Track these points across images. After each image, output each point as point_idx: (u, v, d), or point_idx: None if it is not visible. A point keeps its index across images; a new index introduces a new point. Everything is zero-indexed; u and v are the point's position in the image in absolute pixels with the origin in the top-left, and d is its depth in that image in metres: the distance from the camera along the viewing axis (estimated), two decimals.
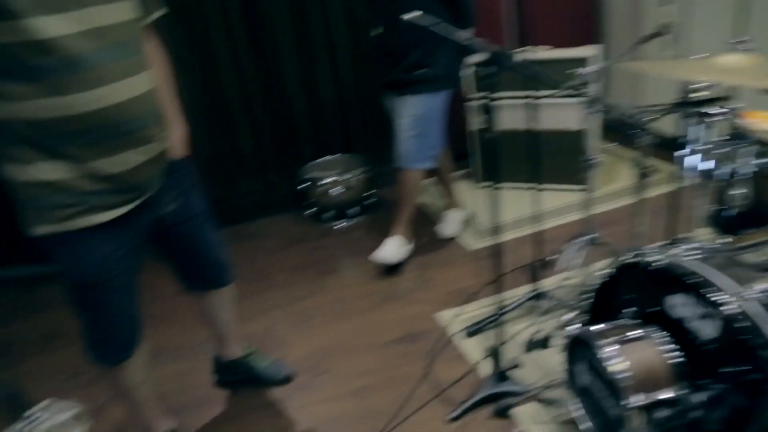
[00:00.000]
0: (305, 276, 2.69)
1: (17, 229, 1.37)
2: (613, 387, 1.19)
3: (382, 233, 2.71)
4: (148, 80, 1.35)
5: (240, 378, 2.02)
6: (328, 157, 3.37)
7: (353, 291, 2.53)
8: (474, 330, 2.11)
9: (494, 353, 1.77)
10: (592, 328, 1.28)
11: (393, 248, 2.61)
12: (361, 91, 3.41)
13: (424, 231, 2.91)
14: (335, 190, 3.10)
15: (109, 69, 1.23)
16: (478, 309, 2.24)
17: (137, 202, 1.38)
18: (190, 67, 2.96)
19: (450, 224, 2.86)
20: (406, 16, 1.56)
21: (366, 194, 3.25)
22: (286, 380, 2.03)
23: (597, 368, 1.22)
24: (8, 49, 1.12)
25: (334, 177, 3.09)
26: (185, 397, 2.00)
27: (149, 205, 1.43)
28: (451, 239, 2.83)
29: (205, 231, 1.65)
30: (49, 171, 1.25)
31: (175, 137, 1.52)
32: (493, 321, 2.07)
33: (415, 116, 2.47)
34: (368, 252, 2.67)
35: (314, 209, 3.24)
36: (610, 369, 1.17)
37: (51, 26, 1.13)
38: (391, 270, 2.62)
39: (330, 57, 3.29)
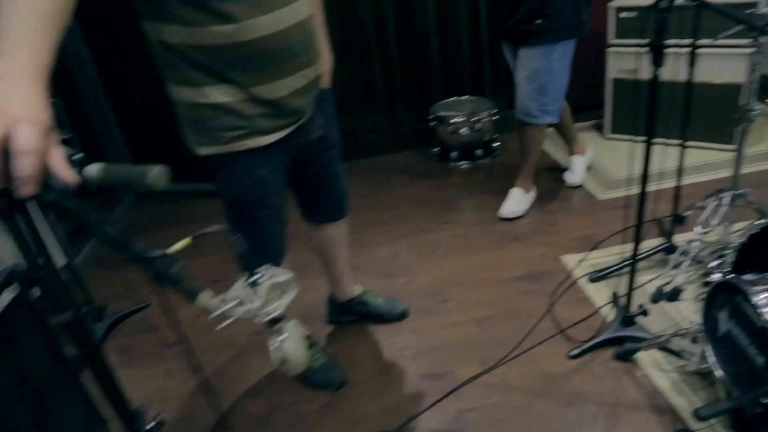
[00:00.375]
0: (430, 211, 2.80)
1: (181, 148, 1.49)
2: (764, 335, 1.19)
3: (505, 177, 2.76)
4: (306, 6, 1.38)
5: (355, 318, 2.11)
6: (457, 98, 3.39)
7: (476, 229, 2.59)
8: (599, 276, 2.12)
9: (620, 299, 1.79)
10: (743, 276, 1.27)
11: (516, 202, 2.64)
12: (495, 34, 3.37)
13: (550, 177, 2.90)
14: (462, 131, 3.14)
15: None
16: (604, 257, 2.24)
17: (293, 127, 1.45)
18: None
19: (576, 172, 2.82)
20: None
21: (492, 137, 3.26)
22: (402, 316, 2.11)
23: (746, 315, 1.22)
24: None
25: (462, 117, 3.12)
26: (314, 312, 2.19)
27: (302, 129, 1.49)
28: (578, 187, 2.80)
29: (336, 163, 1.70)
30: (217, 94, 1.32)
31: (324, 67, 1.57)
32: (621, 268, 2.08)
33: (534, 70, 2.34)
34: (491, 193, 2.74)
35: (439, 148, 3.31)
36: (766, 316, 1.17)
37: None
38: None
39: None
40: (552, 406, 1.66)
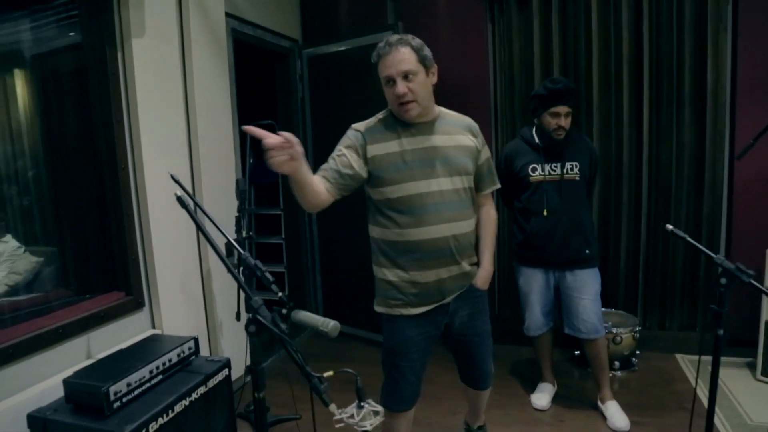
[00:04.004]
0: (553, 406, 3.06)
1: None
2: None
3: (636, 393, 2.92)
4: (466, 226, 2.04)
5: None
6: (605, 309, 3.69)
7: None
8: None
9: None
10: None
11: (623, 414, 2.84)
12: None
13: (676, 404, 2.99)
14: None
15: (437, 216, 1.94)
16: None
17: (435, 305, 2.03)
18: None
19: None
20: None
21: (632, 352, 3.45)
22: None
23: None
24: (388, 204, 1.97)
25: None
26: None
27: (444, 310, 2.07)
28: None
29: (482, 347, 2.19)
30: (390, 275, 2.03)
31: (480, 273, 2.15)
32: None
33: (597, 290, 2.87)
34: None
35: (579, 352, 3.58)
36: None
37: (411, 189, 1.94)
38: None
39: None
40: None
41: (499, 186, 2.28)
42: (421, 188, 1.94)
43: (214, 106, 3.10)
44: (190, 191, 2.91)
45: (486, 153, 2.17)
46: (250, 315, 1.36)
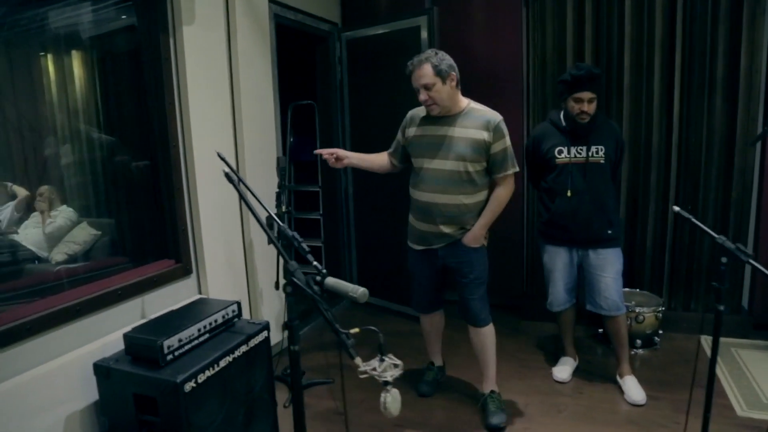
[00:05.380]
0: (573, 379, 3.20)
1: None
2: None
3: (656, 369, 3.03)
4: (454, 199, 2.62)
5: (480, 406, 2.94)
6: (630, 289, 3.77)
7: (605, 406, 2.92)
8: None
9: None
10: None
11: (640, 389, 2.95)
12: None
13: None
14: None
15: (429, 186, 2.64)
16: None
17: (425, 247, 2.77)
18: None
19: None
20: None
21: (655, 331, 3.54)
22: (496, 428, 2.72)
23: None
24: (413, 169, 2.76)
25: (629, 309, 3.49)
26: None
27: (436, 253, 2.76)
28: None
29: (468, 289, 2.75)
30: (410, 217, 2.82)
31: (467, 233, 2.68)
32: None
33: (619, 269, 2.99)
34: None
35: (603, 330, 3.69)
36: None
37: (422, 163, 2.67)
38: None
39: None
40: None
41: (511, 172, 2.66)
42: (427, 164, 2.65)
43: (257, 89, 3.30)
44: (235, 168, 3.13)
45: (501, 145, 2.60)
46: (288, 278, 1.56)
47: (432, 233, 2.71)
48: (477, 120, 2.58)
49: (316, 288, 1.53)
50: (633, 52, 3.66)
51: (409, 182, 2.80)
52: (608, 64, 3.70)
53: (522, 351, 3.65)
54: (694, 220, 1.93)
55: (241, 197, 1.71)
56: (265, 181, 3.37)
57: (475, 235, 2.68)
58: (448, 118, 2.62)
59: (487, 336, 2.83)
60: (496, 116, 2.60)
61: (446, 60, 2.53)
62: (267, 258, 3.40)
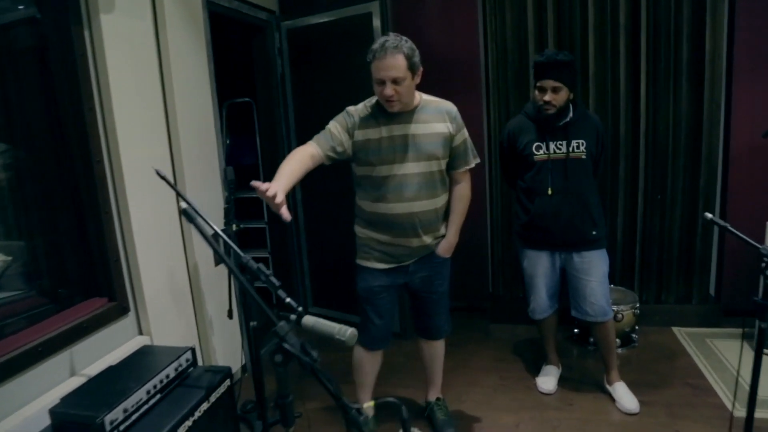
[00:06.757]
0: (559, 389, 3.00)
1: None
2: None
3: (639, 371, 2.88)
4: (430, 204, 2.30)
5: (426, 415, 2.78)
6: None
7: (599, 417, 2.73)
8: None
9: None
10: None
11: (632, 396, 2.79)
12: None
13: (680, 378, 2.96)
14: None
15: (399, 195, 2.25)
16: None
17: (394, 265, 2.38)
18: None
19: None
20: None
21: (633, 329, 3.41)
22: None
23: None
24: (366, 179, 2.29)
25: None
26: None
27: (405, 270, 2.41)
28: (709, 395, 2.82)
29: (438, 304, 2.52)
30: (363, 233, 2.40)
31: (442, 243, 2.43)
32: None
33: (605, 272, 2.77)
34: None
35: (578, 330, 3.53)
36: None
37: (387, 170, 2.24)
38: None
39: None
40: None
41: (473, 165, 2.44)
42: (390, 171, 2.25)
43: (193, 86, 2.84)
44: (172, 181, 2.67)
45: (462, 136, 2.37)
46: (275, 342, 1.19)
47: (409, 248, 2.36)
48: (435, 112, 2.31)
49: (314, 354, 1.17)
50: (597, 38, 3.48)
51: (358, 196, 2.40)
52: (571, 51, 3.49)
53: (499, 360, 3.42)
54: (730, 228, 1.71)
55: (204, 236, 1.32)
56: (207, 193, 2.93)
57: (451, 244, 2.45)
58: (403, 114, 2.27)
59: (442, 345, 2.69)
60: (451, 106, 2.37)
61: (416, 51, 2.18)
62: (215, 281, 2.97)
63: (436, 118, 2.30)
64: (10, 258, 2.25)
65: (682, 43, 3.36)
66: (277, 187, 1.79)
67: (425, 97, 2.35)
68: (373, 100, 2.31)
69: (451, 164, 2.38)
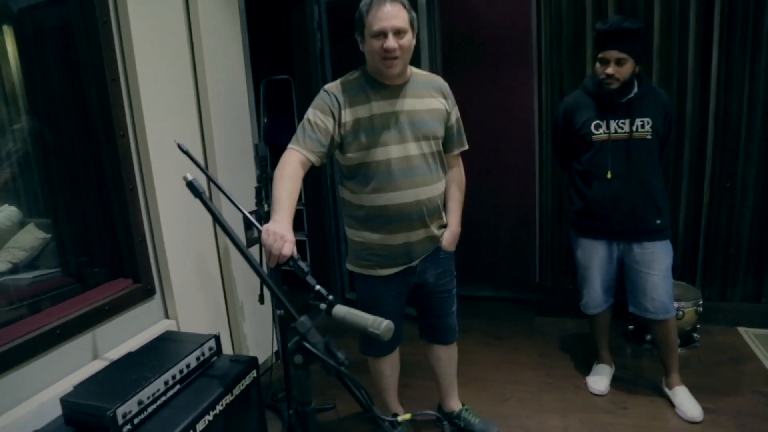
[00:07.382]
0: (612, 390, 2.76)
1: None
2: None
3: (699, 374, 2.62)
4: (434, 190, 2.04)
5: (460, 428, 2.45)
6: None
7: (655, 424, 2.48)
8: None
9: None
10: None
11: (694, 401, 2.53)
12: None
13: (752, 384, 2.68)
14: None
15: (405, 182, 1.95)
16: None
17: (403, 267, 2.09)
18: None
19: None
20: None
21: (694, 328, 3.13)
22: None
23: None
24: (359, 168, 1.95)
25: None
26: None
27: (413, 271, 2.12)
28: None
29: (447, 304, 2.26)
30: (360, 236, 2.07)
31: (446, 236, 2.16)
32: None
33: (668, 266, 2.50)
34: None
35: (634, 326, 3.26)
36: None
37: (384, 153, 1.93)
38: None
39: None
40: None
41: (467, 147, 2.24)
42: (389, 154, 1.94)
43: (225, 59, 2.69)
44: (201, 159, 2.54)
45: (455, 114, 2.16)
46: (295, 340, 1.02)
47: (417, 243, 2.07)
48: (428, 86, 2.06)
49: (341, 356, 1.00)
50: (663, 6, 3.15)
51: (348, 190, 2.07)
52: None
53: (545, 356, 3.19)
54: None
55: (211, 212, 1.17)
56: (240, 173, 2.80)
57: (455, 235, 2.22)
58: (398, 87, 1.97)
59: (455, 349, 2.44)
60: (443, 81, 2.14)
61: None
62: (247, 265, 2.83)
63: (431, 93, 2.06)
64: (49, 236, 2.17)
65: (765, 8, 3.00)
66: (288, 239, 1.51)
67: (414, 69, 2.08)
68: (355, 73, 2.03)
69: (444, 146, 2.13)
